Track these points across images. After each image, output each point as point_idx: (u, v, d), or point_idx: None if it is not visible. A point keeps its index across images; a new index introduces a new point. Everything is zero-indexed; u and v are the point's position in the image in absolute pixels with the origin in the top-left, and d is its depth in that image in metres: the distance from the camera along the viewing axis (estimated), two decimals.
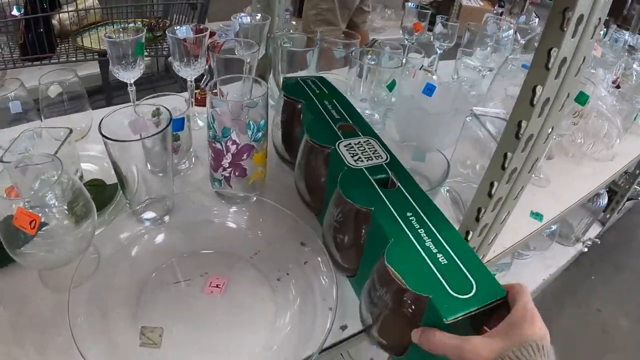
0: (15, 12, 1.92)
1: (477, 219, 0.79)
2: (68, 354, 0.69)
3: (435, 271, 0.59)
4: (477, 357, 0.52)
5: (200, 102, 1.35)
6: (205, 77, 1.32)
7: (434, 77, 1.44)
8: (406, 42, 1.79)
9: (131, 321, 0.76)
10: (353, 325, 0.81)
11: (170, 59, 1.29)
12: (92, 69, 2.31)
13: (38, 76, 1.01)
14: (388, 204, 0.70)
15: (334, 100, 0.97)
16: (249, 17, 1.32)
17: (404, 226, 0.66)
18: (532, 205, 1.19)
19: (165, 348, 0.72)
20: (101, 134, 0.76)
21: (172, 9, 2.25)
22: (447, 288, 0.57)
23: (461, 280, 0.58)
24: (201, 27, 1.12)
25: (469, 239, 0.82)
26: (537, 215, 1.16)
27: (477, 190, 0.77)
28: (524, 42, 1.89)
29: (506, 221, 0.85)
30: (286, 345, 0.74)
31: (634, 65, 1.80)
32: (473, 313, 0.55)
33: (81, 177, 0.97)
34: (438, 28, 1.72)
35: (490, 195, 0.75)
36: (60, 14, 2.00)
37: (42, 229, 0.67)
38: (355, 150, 0.82)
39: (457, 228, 0.72)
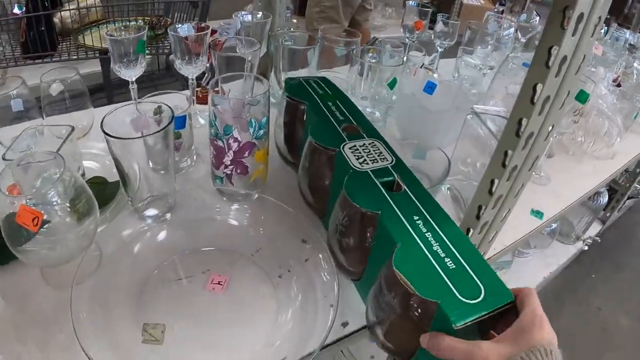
0: (16, 10, 1.93)
1: (478, 217, 0.79)
2: (70, 351, 0.70)
3: (444, 276, 0.59)
4: None
5: (202, 100, 1.35)
6: (206, 75, 1.32)
7: (435, 75, 1.45)
8: (407, 40, 1.79)
9: (133, 318, 0.76)
10: (354, 322, 0.81)
11: (171, 57, 1.29)
12: (94, 67, 2.31)
13: (39, 74, 1.01)
14: (395, 207, 0.70)
15: (338, 102, 0.97)
16: (250, 15, 1.32)
17: (411, 230, 0.66)
18: (532, 203, 1.19)
19: (168, 345, 0.73)
20: (103, 131, 0.76)
21: (173, 7, 2.25)
22: (456, 293, 0.56)
23: (469, 284, 0.58)
24: (203, 25, 1.13)
25: (469, 236, 0.82)
26: (537, 213, 1.16)
27: (478, 187, 0.78)
28: (524, 40, 1.89)
29: (507, 219, 0.85)
30: (287, 341, 0.74)
31: (635, 64, 1.80)
32: (482, 318, 0.55)
33: (83, 175, 0.97)
34: (439, 26, 1.72)
35: (490, 193, 0.75)
36: (62, 12, 2.00)
37: (44, 226, 0.67)
38: (360, 153, 0.82)
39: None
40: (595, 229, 2.58)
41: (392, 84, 1.24)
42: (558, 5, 0.56)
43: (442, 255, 0.62)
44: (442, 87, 1.23)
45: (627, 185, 2.51)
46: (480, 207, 0.78)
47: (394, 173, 0.77)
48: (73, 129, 0.89)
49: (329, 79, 1.06)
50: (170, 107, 0.84)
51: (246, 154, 0.91)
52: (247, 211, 0.96)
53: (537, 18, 1.91)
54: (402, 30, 1.85)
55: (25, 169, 0.73)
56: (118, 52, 1.05)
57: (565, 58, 0.61)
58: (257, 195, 0.95)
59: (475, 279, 0.59)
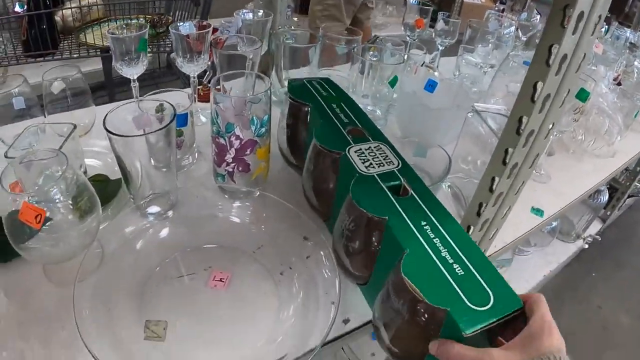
0: (17, 8, 1.93)
1: (479, 214, 0.79)
2: (72, 348, 0.70)
3: (453, 283, 0.58)
4: None
5: (203, 98, 1.35)
6: (207, 73, 1.33)
7: (436, 73, 1.44)
8: (408, 38, 1.79)
9: (135, 315, 0.76)
10: (355, 319, 0.81)
11: (172, 55, 1.30)
12: (95, 65, 2.31)
13: (40, 73, 1.02)
14: (402, 212, 0.69)
15: (342, 103, 0.96)
16: (251, 14, 1.32)
17: (419, 236, 0.65)
18: (532, 201, 1.19)
19: (170, 341, 0.73)
20: (106, 129, 0.76)
21: (175, 5, 2.25)
22: (465, 300, 0.56)
23: (478, 291, 0.57)
24: (204, 23, 1.13)
25: (470, 233, 0.82)
26: (537, 211, 1.17)
27: (479, 185, 0.78)
28: (525, 38, 1.89)
29: (507, 216, 0.85)
30: (289, 338, 0.75)
31: (635, 63, 1.80)
32: (491, 326, 0.55)
33: (85, 173, 0.97)
34: (440, 25, 1.73)
35: (491, 190, 0.75)
36: (63, 11, 2.00)
37: (47, 223, 0.68)
38: (366, 156, 0.80)
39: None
40: (595, 227, 2.58)
41: (393, 82, 1.25)
42: (558, 4, 0.57)
43: (451, 261, 0.61)
44: (442, 85, 1.23)
45: (628, 183, 2.51)
46: (481, 205, 0.78)
47: (400, 177, 0.76)
48: (75, 126, 0.89)
49: (332, 80, 1.05)
50: (172, 105, 0.85)
51: (248, 152, 0.91)
52: (249, 208, 0.96)
53: (538, 16, 1.91)
54: (403, 28, 1.85)
55: (28, 167, 0.73)
56: (120, 50, 1.06)
57: (565, 56, 0.61)
58: (258, 193, 0.95)
59: (484, 285, 0.58)
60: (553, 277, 2.30)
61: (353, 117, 0.92)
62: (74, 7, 2.01)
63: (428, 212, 0.69)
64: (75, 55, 1.97)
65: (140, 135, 0.80)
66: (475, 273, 0.60)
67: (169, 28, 1.10)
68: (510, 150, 0.70)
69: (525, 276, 2.17)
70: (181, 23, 1.11)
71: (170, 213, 0.93)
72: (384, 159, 0.80)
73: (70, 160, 0.69)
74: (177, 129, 0.98)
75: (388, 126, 1.34)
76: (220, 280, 0.83)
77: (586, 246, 2.45)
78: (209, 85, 1.28)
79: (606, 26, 2.08)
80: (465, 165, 1.12)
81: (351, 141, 0.84)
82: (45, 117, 1.03)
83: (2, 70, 1.89)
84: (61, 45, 2.00)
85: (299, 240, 0.89)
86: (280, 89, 1.38)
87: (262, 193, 0.95)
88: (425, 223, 0.67)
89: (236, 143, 0.89)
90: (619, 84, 1.68)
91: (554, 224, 2.21)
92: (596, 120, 1.46)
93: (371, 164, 0.79)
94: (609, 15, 0.62)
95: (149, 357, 0.71)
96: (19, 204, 0.65)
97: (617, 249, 2.77)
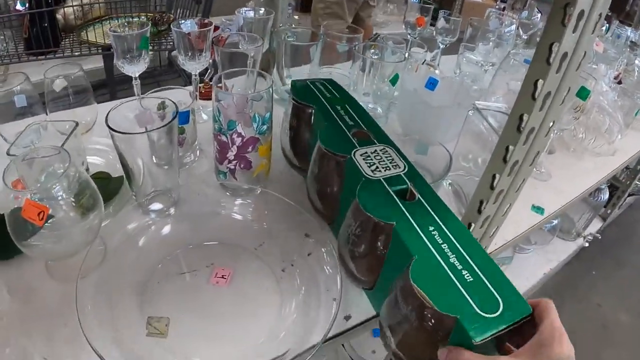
0: (19, 6, 1.93)
1: (479, 211, 0.80)
2: (75, 344, 0.70)
3: (462, 289, 0.57)
4: None
5: (205, 96, 1.36)
6: (209, 70, 1.33)
7: (437, 71, 1.45)
8: (409, 36, 1.79)
9: (138, 311, 0.77)
10: (357, 316, 0.82)
11: (174, 53, 1.30)
12: (96, 63, 2.31)
13: (41, 71, 1.02)
14: (409, 217, 0.68)
15: (346, 105, 0.94)
16: (252, 12, 1.32)
17: (427, 242, 0.64)
18: (533, 199, 1.20)
19: (172, 337, 0.73)
20: (108, 126, 0.76)
21: (176, 3, 2.25)
22: (475, 307, 0.55)
23: (488, 298, 0.57)
24: (206, 21, 1.13)
25: (471, 230, 0.83)
26: (538, 209, 1.17)
27: (479, 182, 0.78)
28: (526, 37, 1.89)
29: (508, 214, 0.85)
30: (291, 334, 0.75)
31: (636, 61, 1.80)
32: (500, 333, 0.54)
33: (87, 170, 0.98)
34: (440, 23, 1.73)
35: (492, 188, 0.75)
36: (65, 9, 2.00)
37: (49, 221, 0.68)
38: (372, 160, 0.79)
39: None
40: (595, 225, 2.58)
41: (394, 80, 1.25)
42: (559, 3, 0.57)
43: (459, 267, 0.60)
44: (443, 83, 1.24)
45: (628, 182, 2.51)
46: (481, 202, 0.79)
47: (407, 181, 0.75)
48: (77, 124, 0.89)
49: (335, 81, 1.04)
50: (174, 103, 0.85)
51: (250, 149, 0.91)
52: (251, 206, 0.97)
53: (539, 15, 1.91)
54: (403, 26, 1.86)
55: (30, 164, 0.73)
56: (121, 48, 1.06)
57: (566, 54, 0.61)
58: (260, 190, 0.95)
59: (493, 291, 0.58)
60: (553, 275, 2.31)
61: (358, 119, 0.90)
62: (75, 5, 2.01)
63: (435, 216, 0.68)
64: (76, 53, 1.97)
65: (143, 132, 0.80)
66: (484, 279, 0.59)
67: (171, 26, 1.10)
68: (511, 147, 0.70)
69: (525, 274, 2.18)
70: (183, 21, 1.11)
71: (172, 210, 0.93)
72: (390, 162, 0.79)
73: (72, 157, 0.69)
74: (179, 126, 0.98)
75: (389, 124, 1.34)
76: (222, 277, 0.83)
77: (586, 244, 2.46)
78: (211, 83, 1.29)
79: (607, 25, 2.08)
80: (466, 163, 1.12)
81: (356, 144, 0.83)
82: (47, 114, 1.03)
83: (4, 68, 1.90)
84: (63, 43, 2.00)
85: (301, 237, 0.89)
86: (282, 87, 1.39)
87: (264, 190, 0.95)
88: (432, 228, 0.66)
89: (238, 140, 0.89)
90: (620, 82, 1.69)
91: (555, 222, 2.21)
92: (597, 119, 1.46)
93: (377, 167, 0.78)
94: (609, 13, 0.62)
95: (151, 354, 0.71)
96: (22, 202, 0.65)
97: (618, 247, 2.77)
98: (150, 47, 1.10)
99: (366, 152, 0.81)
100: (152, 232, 0.90)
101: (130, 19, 1.79)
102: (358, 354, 1.75)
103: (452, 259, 0.61)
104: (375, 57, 1.34)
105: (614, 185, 2.57)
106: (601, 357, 2.17)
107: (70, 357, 0.70)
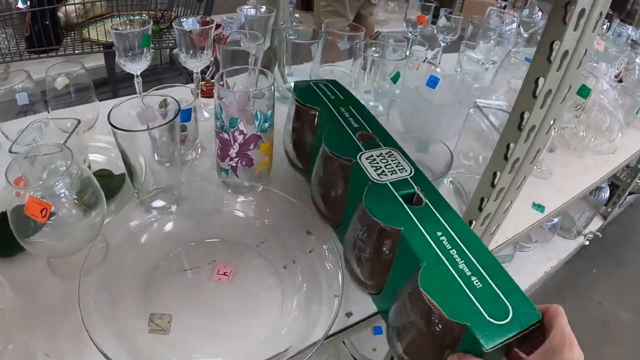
0: (20, 4, 1.93)
1: (480, 209, 0.80)
2: (77, 341, 0.71)
3: (472, 296, 0.56)
4: None
5: (206, 94, 1.36)
6: (210, 68, 1.33)
7: (438, 69, 1.45)
8: (410, 34, 1.79)
9: (140, 308, 0.77)
10: (358, 313, 0.82)
11: (175, 50, 1.30)
12: (98, 61, 2.31)
13: (42, 69, 1.02)
14: (417, 223, 0.66)
15: (351, 107, 0.93)
16: (254, 10, 1.32)
17: (435, 247, 0.63)
18: (534, 197, 1.20)
19: (174, 334, 0.74)
20: (110, 123, 0.77)
21: (177, 1, 2.25)
22: (484, 314, 0.54)
23: (497, 304, 0.56)
24: (207, 19, 1.13)
25: (472, 228, 0.83)
26: (539, 207, 1.17)
27: (480, 180, 0.78)
28: (527, 35, 1.89)
29: (508, 211, 0.85)
30: (292, 331, 0.75)
31: (637, 60, 1.80)
32: (510, 340, 0.54)
33: (89, 168, 0.98)
34: (441, 21, 1.73)
35: (493, 185, 0.75)
36: (66, 7, 2.00)
37: (51, 218, 0.68)
38: (378, 163, 0.78)
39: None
40: (596, 224, 2.58)
41: (395, 78, 1.25)
42: (560, 1, 0.57)
43: (468, 273, 0.59)
44: (444, 81, 1.24)
45: (629, 181, 2.51)
46: (482, 199, 0.79)
47: (414, 185, 0.74)
48: (79, 122, 0.89)
49: (338, 82, 1.03)
50: (176, 100, 0.85)
51: (251, 147, 0.91)
52: (253, 203, 0.97)
53: (540, 13, 1.91)
54: (404, 24, 1.86)
55: (32, 162, 0.74)
56: (123, 46, 1.06)
57: (566, 53, 0.61)
58: (262, 188, 0.96)
59: (503, 298, 0.57)
60: (554, 273, 2.31)
61: (363, 122, 0.89)
62: (77, 3, 2.01)
63: (443, 221, 0.67)
64: (78, 51, 1.98)
65: (145, 130, 0.80)
66: (493, 285, 0.58)
67: (173, 24, 1.11)
68: (511, 145, 0.70)
69: (526, 272, 2.18)
70: (184, 19, 1.11)
71: (174, 208, 0.93)
72: (396, 166, 0.78)
73: (74, 155, 0.70)
74: (181, 124, 0.98)
75: (390, 122, 1.34)
76: (224, 274, 0.83)
77: (587, 243, 2.46)
78: (212, 80, 1.29)
79: (608, 23, 2.08)
80: (467, 161, 1.12)
81: (362, 147, 0.82)
82: (48, 112, 1.04)
83: (5, 66, 1.90)
84: (64, 41, 2.00)
85: (302, 234, 0.89)
86: (283, 85, 1.39)
87: (266, 188, 0.95)
88: (440, 234, 0.65)
89: (240, 138, 0.90)
90: (621, 80, 1.69)
91: (555, 220, 2.22)
92: (597, 117, 1.46)
93: (383, 171, 0.76)
94: (610, 12, 0.62)
95: (153, 350, 0.71)
96: (24, 199, 0.65)
97: (618, 246, 2.78)
98: (152, 45, 1.10)
99: (372, 156, 0.80)
100: (154, 230, 0.90)
101: (132, 17, 1.78)
102: (359, 352, 1.76)
103: (461, 265, 0.61)
104: (377, 55, 1.34)
105: (615, 184, 2.57)
106: (601, 355, 2.17)
107: (73, 353, 0.70)
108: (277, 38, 1.33)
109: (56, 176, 0.70)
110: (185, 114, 0.99)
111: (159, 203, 0.91)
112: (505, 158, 0.71)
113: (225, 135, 0.90)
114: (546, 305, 0.57)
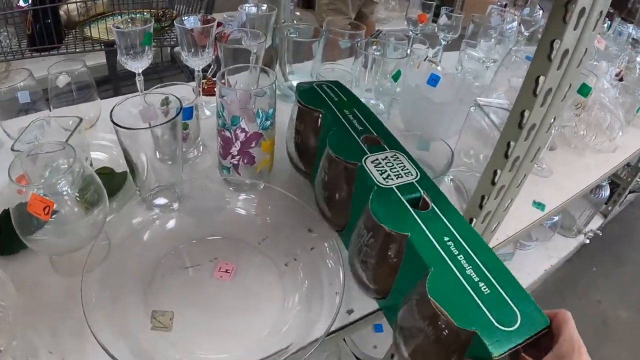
0: (22, 3, 1.93)
1: (481, 206, 0.80)
2: (80, 337, 0.71)
3: (479, 303, 0.56)
4: None
5: (207, 92, 1.36)
6: (212, 66, 1.33)
7: (438, 68, 1.45)
8: (411, 33, 1.79)
9: (142, 305, 0.77)
10: (359, 310, 0.82)
11: (177, 49, 1.30)
12: (99, 59, 2.32)
13: (43, 67, 1.02)
14: (424, 228, 0.66)
15: (355, 109, 0.91)
16: (255, 8, 1.33)
17: (442, 253, 0.62)
18: (534, 195, 1.20)
19: (176, 331, 0.74)
20: (112, 121, 0.77)
21: None
22: (493, 321, 0.54)
23: (505, 311, 0.55)
24: (209, 17, 1.13)
25: (472, 225, 0.83)
26: (539, 205, 1.17)
27: (481, 178, 0.78)
28: (527, 34, 1.89)
29: (509, 209, 0.86)
30: (293, 328, 0.76)
31: (638, 59, 1.80)
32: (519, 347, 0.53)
33: (91, 166, 0.98)
34: (442, 19, 1.73)
35: (493, 183, 0.76)
36: (68, 5, 2.00)
37: (53, 215, 0.68)
38: (383, 167, 0.77)
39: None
40: (596, 222, 2.58)
41: (396, 76, 1.25)
42: (560, 0, 0.57)
43: (476, 279, 0.59)
44: (445, 80, 1.24)
45: (629, 179, 2.51)
46: (483, 197, 0.79)
47: (420, 189, 0.73)
48: (81, 120, 0.89)
49: (341, 83, 1.02)
50: (178, 98, 0.85)
51: (253, 144, 0.92)
52: (254, 201, 0.97)
53: (540, 12, 1.91)
54: (405, 23, 1.86)
55: (34, 160, 0.74)
56: (125, 44, 1.06)
57: (567, 51, 0.62)
58: (263, 185, 0.96)
59: (511, 304, 0.56)
60: (554, 271, 2.32)
61: (367, 124, 0.88)
62: (78, 1, 2.01)
63: (450, 226, 0.67)
64: (79, 50, 1.97)
65: (147, 128, 0.81)
66: (501, 291, 0.58)
67: (174, 22, 1.11)
68: (512, 143, 0.70)
69: (526, 270, 2.19)
70: (186, 17, 1.12)
71: (175, 205, 0.94)
72: (402, 170, 0.77)
73: (77, 153, 0.70)
74: (183, 122, 0.99)
75: (391, 120, 1.35)
76: (226, 271, 0.84)
77: (587, 241, 2.46)
78: (214, 79, 1.29)
79: (609, 22, 2.08)
80: (468, 159, 1.12)
81: (367, 150, 0.80)
82: (50, 110, 1.04)
83: (6, 64, 1.90)
84: (65, 39, 2.00)
85: (304, 232, 0.90)
86: (284, 83, 1.39)
87: (267, 185, 0.95)
88: (448, 239, 0.65)
89: (241, 136, 0.90)
90: (621, 79, 1.69)
91: (555, 218, 2.22)
92: (598, 116, 1.46)
93: (389, 175, 0.75)
94: (611, 11, 0.63)
95: (155, 347, 0.72)
96: (27, 196, 0.65)
97: (618, 244, 2.78)
98: (153, 43, 1.10)
99: (377, 159, 0.79)
100: (156, 227, 0.90)
101: (133, 15, 1.78)
102: (360, 349, 1.76)
103: (469, 271, 0.60)
104: (378, 53, 1.34)
105: (615, 182, 2.57)
106: (601, 353, 2.17)
107: (76, 350, 0.71)
108: (278, 36, 1.34)
109: (58, 174, 0.71)
110: (187, 112, 1.00)
111: (160, 201, 0.92)
112: (506, 156, 0.72)
113: (227, 133, 0.90)
114: (554, 310, 0.57)
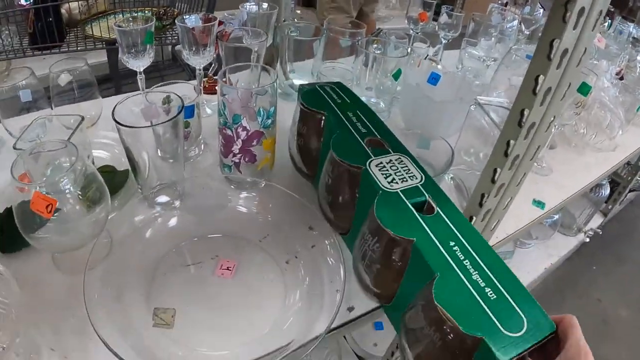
0: (23, 1, 1.93)
1: (481, 205, 0.80)
2: (82, 335, 0.72)
3: (486, 308, 0.56)
4: None
5: (209, 90, 1.36)
6: (213, 65, 1.34)
7: (439, 66, 1.46)
8: (411, 31, 1.80)
9: (144, 303, 0.78)
10: (360, 307, 0.83)
11: (178, 47, 1.31)
12: (100, 57, 2.31)
13: (44, 65, 1.02)
14: (429, 233, 0.65)
15: (358, 111, 0.90)
16: (256, 6, 1.33)
17: (448, 258, 0.62)
18: (534, 194, 1.20)
19: (178, 328, 0.75)
20: (114, 120, 0.77)
21: None
22: (500, 327, 0.54)
23: (512, 316, 0.55)
24: (210, 16, 1.14)
25: (472, 223, 0.83)
26: (539, 204, 1.18)
27: (481, 176, 0.78)
28: (528, 32, 1.89)
29: (509, 207, 0.86)
30: (294, 325, 0.76)
31: (638, 57, 1.80)
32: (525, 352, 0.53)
33: (92, 164, 0.98)
34: (443, 18, 1.73)
35: (493, 182, 0.76)
36: (69, 3, 2.00)
37: (55, 213, 0.68)
38: (387, 170, 0.76)
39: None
40: (596, 221, 2.58)
41: (396, 75, 1.25)
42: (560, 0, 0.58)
43: (482, 285, 0.58)
44: (446, 78, 1.24)
45: (629, 178, 2.51)
46: (483, 195, 0.79)
47: (425, 193, 0.72)
48: (83, 118, 0.89)
49: (344, 85, 1.01)
50: (180, 97, 0.86)
51: (254, 143, 0.92)
52: (255, 199, 0.97)
53: (541, 10, 1.91)
54: (406, 21, 1.86)
55: (36, 158, 0.74)
56: (126, 42, 1.06)
57: (566, 51, 0.62)
58: (264, 183, 0.96)
59: (517, 309, 0.56)
60: (554, 270, 2.32)
61: (371, 127, 0.87)
62: (80, 0, 2.01)
63: (455, 231, 0.66)
64: (81, 48, 1.97)
65: (148, 126, 0.81)
66: (508, 296, 0.58)
67: (175, 21, 1.11)
68: (512, 142, 0.70)
69: (526, 268, 2.19)
70: (187, 16, 1.12)
71: (177, 203, 0.94)
72: (407, 173, 0.76)
73: (79, 151, 0.70)
74: (184, 120, 0.99)
75: (391, 118, 1.35)
76: (227, 268, 0.84)
77: (587, 240, 2.46)
78: (215, 77, 1.29)
79: (609, 21, 2.08)
80: (468, 158, 1.13)
81: (371, 153, 0.80)
82: (52, 109, 1.04)
83: (8, 63, 1.90)
84: (67, 38, 2.00)
85: (304, 229, 0.90)
86: (285, 82, 1.39)
87: (268, 183, 0.96)
88: (453, 243, 0.64)
89: (243, 134, 0.90)
90: (622, 78, 1.69)
91: (556, 217, 2.22)
92: (598, 114, 1.47)
93: (394, 179, 0.74)
94: (612, 9, 0.63)
95: (157, 344, 0.72)
96: (29, 195, 0.66)
97: (618, 243, 2.78)
98: (154, 42, 1.11)
99: (381, 163, 0.78)
100: (158, 225, 0.91)
101: (135, 14, 1.79)
102: (360, 347, 1.77)
103: (475, 276, 0.60)
104: (378, 52, 1.35)
105: (615, 181, 2.57)
106: (601, 352, 2.17)
107: (78, 347, 0.71)
108: (279, 35, 1.34)
109: (60, 172, 0.71)
110: (189, 111, 1.00)
111: (162, 199, 0.92)
112: (506, 155, 0.72)
113: (228, 132, 0.90)
114: (560, 315, 0.56)
